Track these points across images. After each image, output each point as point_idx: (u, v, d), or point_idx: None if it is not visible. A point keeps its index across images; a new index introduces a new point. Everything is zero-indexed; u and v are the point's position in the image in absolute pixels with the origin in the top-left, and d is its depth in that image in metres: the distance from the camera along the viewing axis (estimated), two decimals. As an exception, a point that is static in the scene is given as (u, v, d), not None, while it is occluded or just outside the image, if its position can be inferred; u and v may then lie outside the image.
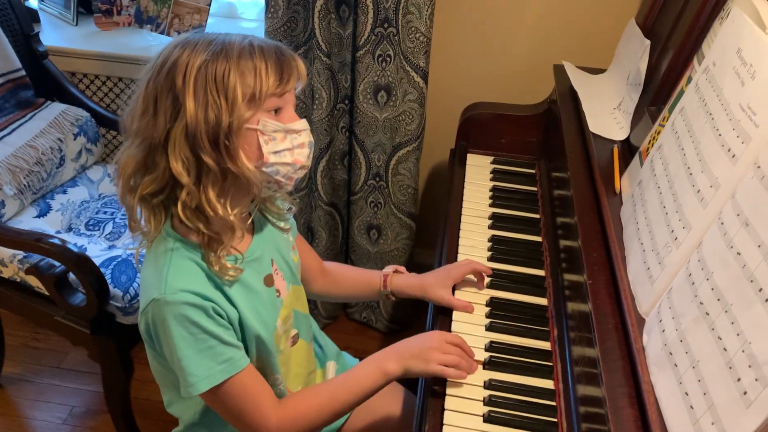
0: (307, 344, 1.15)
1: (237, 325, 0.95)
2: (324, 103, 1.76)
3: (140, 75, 0.91)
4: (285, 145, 0.92)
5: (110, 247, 1.65)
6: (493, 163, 1.59)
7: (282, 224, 1.08)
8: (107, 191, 1.85)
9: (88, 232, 1.71)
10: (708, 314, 0.77)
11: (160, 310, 0.90)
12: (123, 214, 1.72)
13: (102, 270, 1.47)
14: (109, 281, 1.47)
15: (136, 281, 1.53)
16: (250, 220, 1.01)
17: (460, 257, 1.29)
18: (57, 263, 1.46)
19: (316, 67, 1.71)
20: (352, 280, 1.25)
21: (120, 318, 1.52)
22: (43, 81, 1.89)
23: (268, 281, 1.02)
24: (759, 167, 0.77)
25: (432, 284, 1.18)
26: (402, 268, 1.23)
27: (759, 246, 0.73)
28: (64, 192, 1.79)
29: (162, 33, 2.10)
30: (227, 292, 0.94)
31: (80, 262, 1.42)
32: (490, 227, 1.38)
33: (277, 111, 0.91)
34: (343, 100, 1.81)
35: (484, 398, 1.02)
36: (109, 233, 1.71)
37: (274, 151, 0.91)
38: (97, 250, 1.61)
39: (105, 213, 1.77)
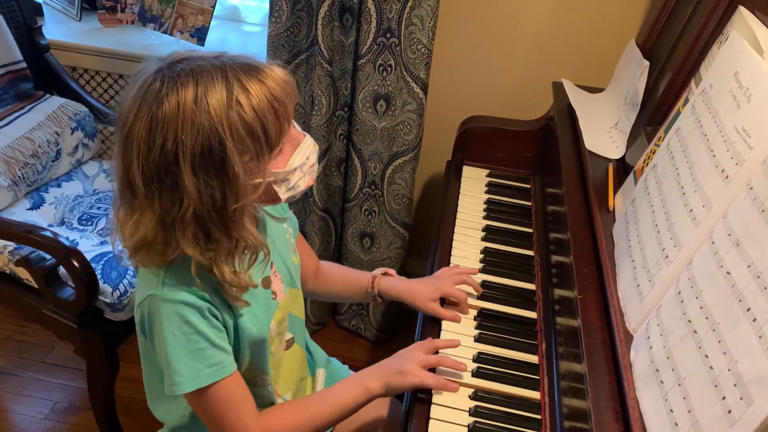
0: (301, 350, 1.15)
1: (231, 328, 0.95)
2: (323, 109, 1.76)
3: (122, 112, 0.84)
4: (297, 176, 0.92)
5: (102, 243, 1.65)
6: (488, 176, 1.60)
7: (276, 214, 1.07)
8: (102, 187, 1.85)
9: (81, 227, 1.70)
10: (696, 332, 0.77)
11: (156, 306, 0.89)
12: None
13: (93, 265, 1.46)
14: (99, 276, 1.47)
15: (126, 278, 1.52)
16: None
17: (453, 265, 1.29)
18: (48, 256, 1.46)
19: (317, 73, 1.72)
20: (342, 279, 1.25)
21: (108, 314, 1.52)
22: (43, 74, 1.90)
23: (266, 283, 1.02)
24: (751, 188, 0.78)
25: (421, 292, 1.17)
26: (392, 271, 1.23)
27: (749, 266, 0.73)
28: (59, 186, 1.79)
29: (165, 32, 2.11)
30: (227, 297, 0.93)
31: (71, 255, 1.42)
32: (483, 239, 1.39)
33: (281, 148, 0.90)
34: (342, 108, 1.81)
35: (469, 408, 1.01)
36: (102, 229, 1.70)
37: (289, 188, 0.92)
38: (88, 245, 1.61)
39: (99, 208, 1.76)
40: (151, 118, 0.81)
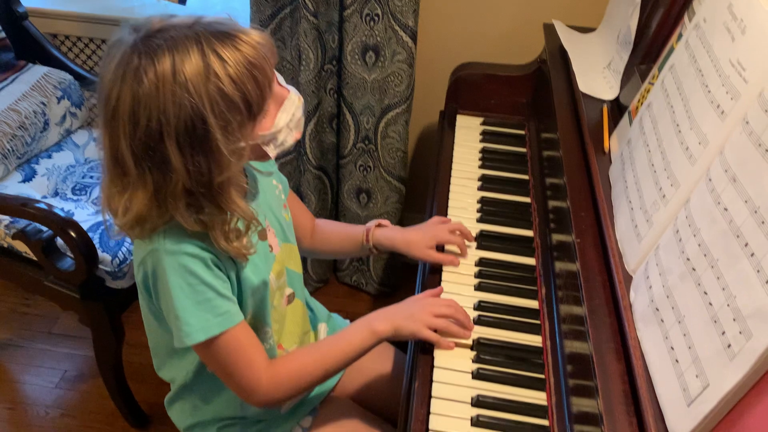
0: (302, 304, 1.16)
1: (234, 279, 0.96)
2: (311, 64, 1.73)
3: (103, 84, 0.84)
4: (284, 134, 0.93)
5: (97, 212, 1.64)
6: (483, 124, 1.58)
7: (262, 168, 1.06)
8: (93, 155, 1.83)
9: (75, 197, 1.69)
10: (694, 270, 0.78)
11: (159, 260, 0.89)
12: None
13: (90, 235, 1.46)
14: (97, 246, 1.47)
15: (125, 245, 1.52)
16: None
17: (449, 218, 1.29)
18: (44, 228, 1.45)
19: (302, 27, 1.68)
20: (338, 235, 1.25)
21: (110, 282, 1.52)
22: (23, 43, 1.85)
23: (262, 235, 1.02)
24: (747, 123, 0.77)
25: (417, 241, 1.18)
26: (386, 222, 1.22)
27: (746, 201, 0.73)
28: (49, 157, 1.77)
29: (145, -7, 2.06)
30: None
31: (67, 226, 1.41)
32: (480, 189, 1.38)
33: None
34: (330, 61, 1.78)
35: (473, 355, 1.03)
36: (97, 197, 1.69)
37: (277, 145, 0.93)
38: (84, 215, 1.60)
39: (92, 177, 1.75)
40: (132, 97, 0.81)
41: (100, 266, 1.48)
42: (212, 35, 0.83)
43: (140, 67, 0.80)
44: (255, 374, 0.97)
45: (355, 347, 1.01)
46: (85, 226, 1.47)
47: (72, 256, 1.45)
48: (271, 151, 0.93)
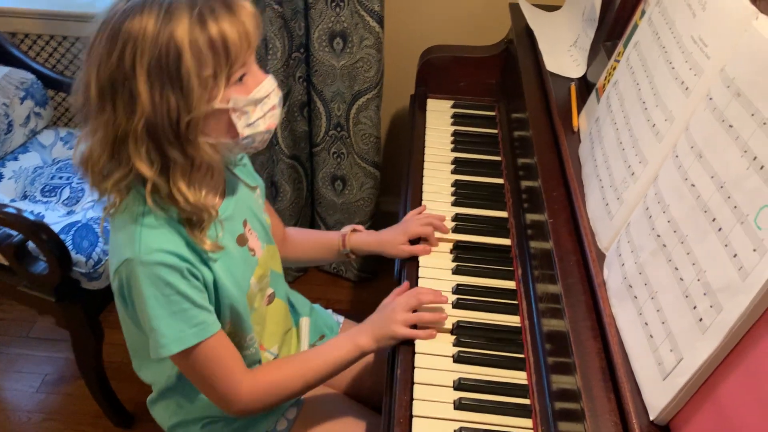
0: (283, 303, 1.16)
1: (212, 287, 0.94)
2: (278, 53, 1.71)
3: (87, 39, 0.85)
4: (257, 114, 0.91)
5: (69, 213, 1.62)
6: (453, 107, 1.58)
7: (250, 182, 1.07)
8: (61, 156, 1.80)
9: (45, 199, 1.67)
10: (665, 246, 0.79)
11: (133, 270, 0.88)
12: (80, 179, 1.68)
13: (62, 237, 1.44)
14: (70, 247, 1.45)
15: (99, 246, 1.51)
16: (222, 183, 1.00)
17: (424, 203, 1.29)
18: (14, 232, 1.43)
19: (267, 15, 1.66)
20: (311, 243, 1.26)
21: (85, 284, 1.50)
22: (-19, 43, 1.81)
23: (241, 240, 1.01)
24: (711, 99, 0.78)
25: (390, 240, 1.19)
26: (360, 227, 1.24)
27: (712, 177, 0.74)
28: (15, 159, 1.74)
29: (104, -13, 2.01)
30: (202, 252, 0.93)
31: (38, 229, 1.39)
32: (453, 172, 1.39)
33: (241, 77, 0.88)
34: (298, 49, 1.77)
35: (453, 339, 1.04)
36: (67, 198, 1.67)
37: (248, 124, 0.90)
38: (55, 217, 1.58)
39: (61, 178, 1.72)
40: (112, 28, 0.82)
41: (75, 268, 1.47)
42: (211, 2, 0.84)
43: (127, 10, 0.82)
44: (233, 385, 0.96)
45: (337, 361, 1.02)
46: (56, 228, 1.45)
47: (45, 259, 1.43)
48: (241, 128, 0.90)
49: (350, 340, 1.03)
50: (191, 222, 0.91)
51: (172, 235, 0.89)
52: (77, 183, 1.70)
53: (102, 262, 1.50)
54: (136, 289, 0.89)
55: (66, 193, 1.68)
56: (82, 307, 1.52)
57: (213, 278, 0.94)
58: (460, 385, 0.97)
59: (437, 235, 1.21)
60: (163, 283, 0.88)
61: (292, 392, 1.03)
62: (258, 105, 0.90)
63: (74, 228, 1.51)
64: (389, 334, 1.02)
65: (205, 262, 0.93)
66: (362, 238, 1.22)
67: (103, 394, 1.66)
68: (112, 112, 0.84)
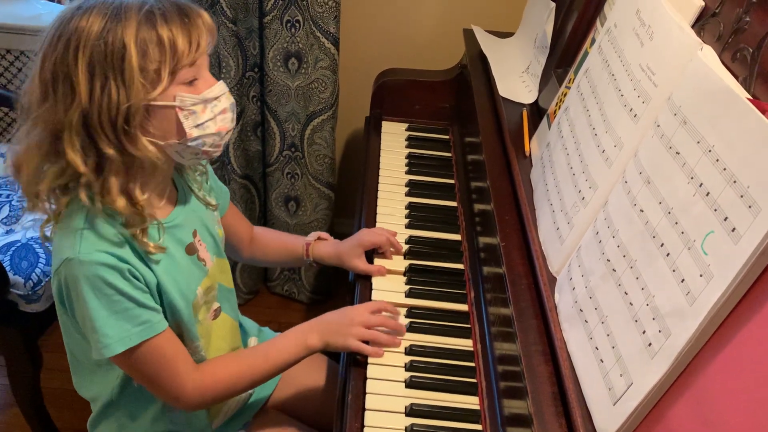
0: (231, 320, 1.13)
1: (155, 290, 0.93)
2: (232, 71, 1.69)
3: (35, 47, 0.85)
4: (206, 116, 0.90)
5: (8, 232, 1.55)
6: (408, 130, 1.59)
7: (210, 200, 1.06)
8: (1, 173, 1.73)
9: (-18, 217, 1.59)
10: (615, 270, 0.80)
11: (72, 271, 0.86)
12: (20, 197, 1.61)
13: (0, 257, 1.37)
14: (8, 268, 1.38)
15: (39, 266, 1.44)
16: (168, 189, 0.98)
17: (378, 225, 1.28)
18: (-53, 252, 1.36)
19: (221, 33, 1.64)
20: (277, 247, 1.25)
21: (23, 306, 1.43)
22: None
23: (190, 250, 1.00)
24: (659, 126, 0.80)
25: (346, 253, 1.19)
26: (325, 235, 1.24)
27: (660, 203, 0.75)
28: (-48, 175, 1.66)
29: (52, 0, 1.96)
30: (145, 256, 0.91)
31: (-27, 249, 1.33)
32: (407, 194, 1.38)
33: (192, 81, 0.88)
34: (252, 68, 1.75)
35: (405, 364, 1.02)
36: (5, 217, 1.60)
37: (196, 124, 0.89)
38: (-8, 236, 1.51)
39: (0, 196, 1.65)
40: (60, 27, 0.83)
41: (12, 290, 1.40)
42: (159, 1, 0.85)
43: (75, 10, 0.83)
44: (180, 382, 0.95)
45: (285, 358, 1.02)
46: (-7, 249, 1.39)
47: (-20, 281, 1.37)
48: (188, 127, 0.88)
49: (300, 340, 1.02)
50: (129, 222, 0.89)
51: (113, 236, 0.88)
52: (17, 201, 1.63)
53: (41, 284, 1.44)
54: (76, 289, 0.87)
55: (5, 211, 1.61)
56: (20, 330, 1.45)
57: (156, 281, 0.93)
58: (412, 411, 0.95)
59: (392, 251, 1.21)
60: (104, 283, 0.86)
61: (240, 389, 1.03)
62: (208, 106, 0.90)
63: (13, 248, 1.45)
64: (341, 343, 1.02)
65: (148, 265, 0.92)
66: (324, 249, 1.22)
67: (39, 422, 1.58)
68: (53, 105, 0.84)
